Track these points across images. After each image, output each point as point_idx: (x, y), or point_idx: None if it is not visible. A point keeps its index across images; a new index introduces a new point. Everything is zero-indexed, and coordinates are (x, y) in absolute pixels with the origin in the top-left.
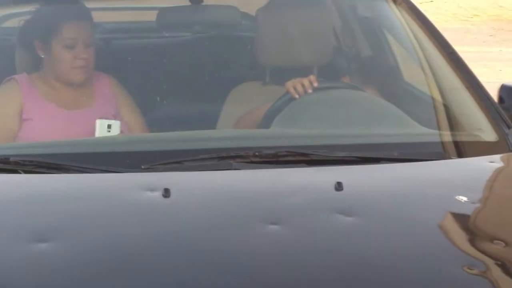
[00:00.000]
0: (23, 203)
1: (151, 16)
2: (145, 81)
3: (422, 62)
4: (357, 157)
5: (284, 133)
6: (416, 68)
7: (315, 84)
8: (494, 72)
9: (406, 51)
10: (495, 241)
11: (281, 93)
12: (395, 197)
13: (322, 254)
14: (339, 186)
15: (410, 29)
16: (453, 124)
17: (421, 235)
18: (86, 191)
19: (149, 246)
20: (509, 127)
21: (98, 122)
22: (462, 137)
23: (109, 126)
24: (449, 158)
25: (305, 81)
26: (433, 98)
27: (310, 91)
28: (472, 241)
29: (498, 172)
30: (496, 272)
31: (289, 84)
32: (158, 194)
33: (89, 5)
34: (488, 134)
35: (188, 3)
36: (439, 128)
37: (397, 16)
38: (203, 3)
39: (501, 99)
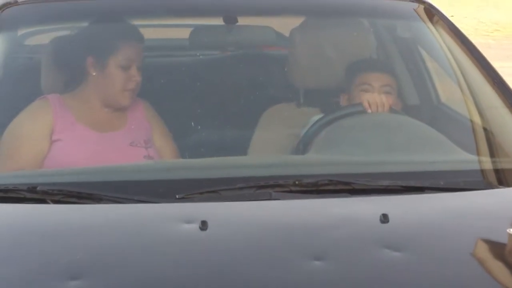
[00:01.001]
0: (52, 236)
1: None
2: (176, 104)
3: (462, 84)
4: (401, 186)
5: (323, 159)
6: (456, 90)
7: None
8: None
9: (445, 71)
10: None
11: (315, 115)
12: (442, 231)
13: None
14: (384, 219)
15: (449, 49)
16: (497, 150)
17: (471, 271)
18: (119, 223)
19: (187, 283)
20: None
21: None
22: (507, 164)
23: None
24: (496, 186)
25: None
26: (474, 122)
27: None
28: None
29: None
30: None
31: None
32: (195, 226)
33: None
34: None
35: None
36: (483, 154)
37: (435, 36)
38: (237, 23)
39: None
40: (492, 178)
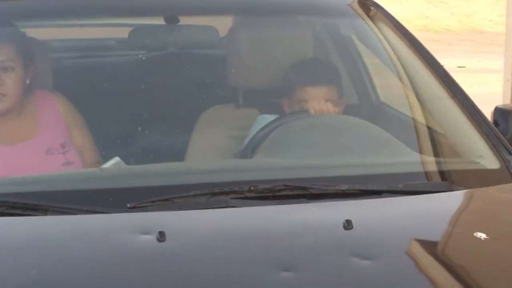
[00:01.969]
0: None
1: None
2: (106, 105)
3: (403, 77)
4: (359, 190)
5: (278, 164)
6: (398, 84)
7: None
8: None
9: (386, 66)
10: None
11: (256, 116)
12: (408, 235)
13: None
14: (348, 225)
15: (388, 42)
16: (451, 151)
17: (438, 275)
18: (69, 236)
19: None
20: (510, 153)
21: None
22: (463, 166)
23: None
24: (456, 188)
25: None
26: (416, 119)
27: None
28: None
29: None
30: None
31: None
32: (151, 237)
33: (58, 22)
34: (490, 161)
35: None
36: (439, 156)
37: (373, 30)
38: (179, 23)
39: (495, 122)
40: (450, 178)
